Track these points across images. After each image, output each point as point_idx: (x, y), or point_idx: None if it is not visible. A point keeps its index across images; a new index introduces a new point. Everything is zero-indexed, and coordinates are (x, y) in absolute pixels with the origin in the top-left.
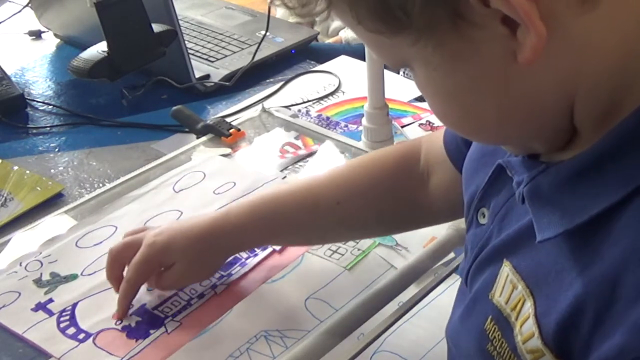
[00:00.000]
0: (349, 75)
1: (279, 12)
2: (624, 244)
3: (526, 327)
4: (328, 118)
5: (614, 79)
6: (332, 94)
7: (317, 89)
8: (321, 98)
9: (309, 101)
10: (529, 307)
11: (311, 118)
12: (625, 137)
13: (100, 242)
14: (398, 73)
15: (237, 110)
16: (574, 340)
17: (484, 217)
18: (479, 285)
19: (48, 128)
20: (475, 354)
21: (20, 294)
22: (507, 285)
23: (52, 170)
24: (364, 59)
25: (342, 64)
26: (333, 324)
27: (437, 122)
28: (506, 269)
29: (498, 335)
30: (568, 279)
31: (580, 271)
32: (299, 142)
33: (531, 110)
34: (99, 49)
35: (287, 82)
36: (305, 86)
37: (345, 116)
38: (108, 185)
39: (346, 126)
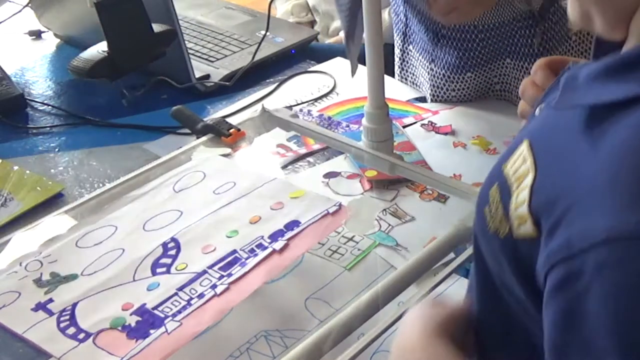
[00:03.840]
0: (345, 76)
1: (279, 12)
2: (614, 143)
3: (521, 196)
4: (330, 118)
5: None
6: (326, 95)
7: (311, 89)
8: (315, 99)
9: (306, 102)
10: (529, 180)
11: (313, 118)
12: None
13: (100, 242)
14: None
15: (237, 110)
16: (548, 219)
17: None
18: (500, 158)
19: (48, 128)
20: (477, 215)
21: (20, 294)
22: (519, 159)
23: (52, 170)
24: (364, 59)
25: (337, 65)
26: (333, 324)
27: (438, 122)
28: (524, 146)
29: (497, 200)
30: (565, 165)
31: (576, 161)
32: (291, 144)
33: None
34: (99, 49)
35: (281, 83)
36: (300, 87)
37: (347, 116)
38: (108, 185)
39: (347, 126)
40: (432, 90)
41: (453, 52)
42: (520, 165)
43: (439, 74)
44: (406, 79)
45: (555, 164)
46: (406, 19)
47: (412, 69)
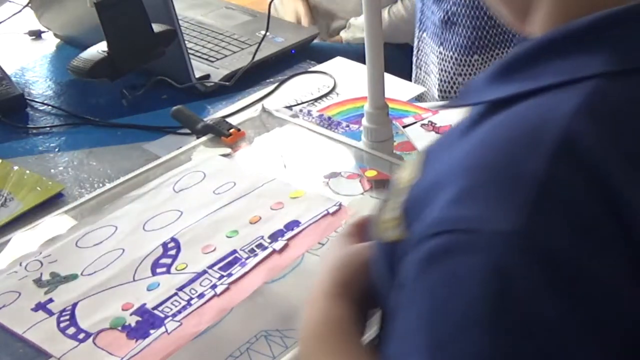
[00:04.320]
0: (345, 76)
1: (279, 12)
2: (474, 140)
3: (398, 199)
4: (329, 118)
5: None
6: (326, 95)
7: (311, 90)
8: (316, 99)
9: (306, 102)
10: (409, 183)
11: (313, 118)
12: (537, 49)
13: (100, 242)
14: None
15: (237, 110)
16: (410, 217)
17: None
18: None
19: (48, 128)
20: (372, 228)
21: (20, 294)
22: (409, 167)
23: (52, 170)
24: (364, 59)
25: (337, 65)
26: None
27: (439, 122)
28: (418, 156)
29: (382, 207)
30: (438, 164)
31: (446, 159)
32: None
33: None
34: (99, 49)
35: (281, 83)
36: (300, 87)
37: (347, 116)
38: (108, 185)
39: (347, 126)
40: (440, 75)
41: (462, 31)
42: (407, 172)
43: (447, 56)
44: (420, 69)
45: (432, 164)
46: (422, 4)
47: (425, 58)
